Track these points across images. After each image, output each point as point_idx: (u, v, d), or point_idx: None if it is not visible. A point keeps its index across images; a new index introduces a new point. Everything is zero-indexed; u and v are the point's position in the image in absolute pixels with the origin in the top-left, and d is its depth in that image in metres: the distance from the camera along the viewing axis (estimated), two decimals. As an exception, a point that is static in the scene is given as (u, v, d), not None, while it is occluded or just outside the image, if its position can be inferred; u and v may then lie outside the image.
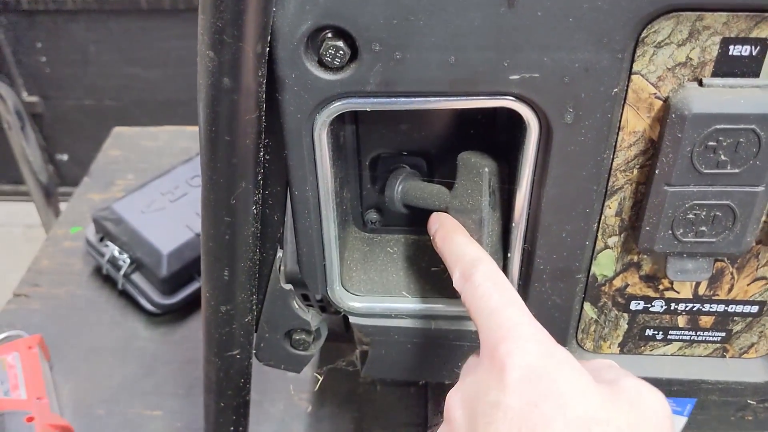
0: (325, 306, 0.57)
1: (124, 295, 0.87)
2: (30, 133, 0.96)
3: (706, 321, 0.46)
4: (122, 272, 0.84)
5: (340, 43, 0.35)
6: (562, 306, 0.45)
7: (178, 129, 1.15)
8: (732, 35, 0.34)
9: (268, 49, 0.34)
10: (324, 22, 0.34)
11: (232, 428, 0.51)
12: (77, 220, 0.98)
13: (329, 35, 0.35)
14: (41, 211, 1.12)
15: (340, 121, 0.44)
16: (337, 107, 0.37)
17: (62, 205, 1.25)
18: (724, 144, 0.36)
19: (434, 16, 0.34)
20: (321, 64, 0.36)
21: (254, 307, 0.46)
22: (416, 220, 0.51)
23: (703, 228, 0.39)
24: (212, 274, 0.42)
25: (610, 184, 0.40)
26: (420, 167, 0.48)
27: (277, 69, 0.36)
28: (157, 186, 0.91)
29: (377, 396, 0.75)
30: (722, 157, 0.36)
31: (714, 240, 0.39)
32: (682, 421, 0.65)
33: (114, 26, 2.04)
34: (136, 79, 2.10)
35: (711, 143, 0.36)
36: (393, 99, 0.37)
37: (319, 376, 0.72)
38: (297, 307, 0.48)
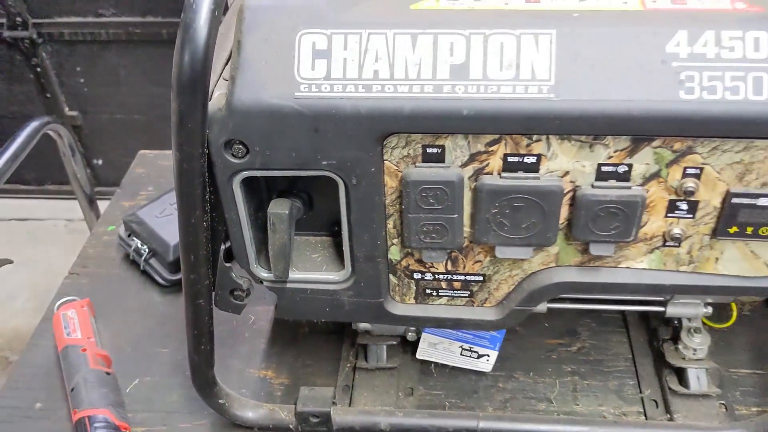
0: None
1: (145, 273, 1.14)
2: (79, 159, 1.30)
3: (457, 285, 0.81)
4: (143, 258, 1.12)
5: (241, 146, 0.70)
6: (375, 276, 0.80)
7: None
8: (426, 143, 0.69)
9: (206, 150, 0.70)
10: (232, 137, 0.70)
11: (202, 347, 0.87)
12: (112, 220, 1.26)
13: (236, 142, 0.71)
14: (86, 213, 1.46)
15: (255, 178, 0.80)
16: (242, 175, 0.73)
17: (100, 203, 1.47)
18: (430, 194, 0.71)
19: (280, 136, 0.69)
20: (232, 155, 0.71)
21: (210, 276, 0.82)
22: (305, 225, 0.87)
23: (434, 235, 0.74)
24: (186, 257, 0.78)
25: (387, 212, 0.75)
26: (305, 200, 0.84)
27: (211, 157, 0.72)
28: (168, 198, 1.18)
29: (310, 339, 1.04)
30: (430, 200, 0.71)
31: (441, 241, 0.74)
32: (494, 354, 0.99)
33: (140, 54, 2.26)
34: (160, 97, 2.29)
35: (423, 194, 0.71)
36: (269, 171, 0.72)
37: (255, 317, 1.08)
38: (234, 276, 0.84)
